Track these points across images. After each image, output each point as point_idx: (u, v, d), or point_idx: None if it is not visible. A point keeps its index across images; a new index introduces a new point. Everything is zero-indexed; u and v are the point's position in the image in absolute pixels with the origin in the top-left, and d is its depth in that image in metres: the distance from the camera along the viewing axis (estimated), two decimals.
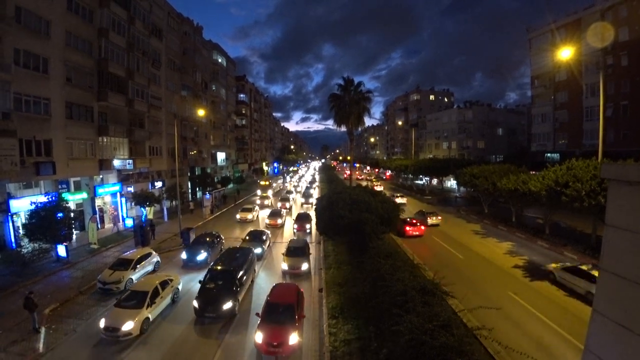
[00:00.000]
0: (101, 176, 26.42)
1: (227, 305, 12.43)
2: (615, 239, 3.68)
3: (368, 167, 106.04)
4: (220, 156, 54.04)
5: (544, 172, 21.77)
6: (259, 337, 10.21)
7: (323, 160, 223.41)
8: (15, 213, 19.27)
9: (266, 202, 39.35)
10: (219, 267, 14.30)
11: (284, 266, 17.12)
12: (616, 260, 3.64)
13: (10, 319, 12.37)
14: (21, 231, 18.40)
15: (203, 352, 10.80)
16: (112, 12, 26.17)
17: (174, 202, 32.33)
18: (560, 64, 35.94)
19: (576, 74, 35.00)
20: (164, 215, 31.01)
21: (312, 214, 26.16)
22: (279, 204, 36.64)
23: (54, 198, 18.93)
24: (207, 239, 20.38)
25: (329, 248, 20.25)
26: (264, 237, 21.43)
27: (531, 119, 46.38)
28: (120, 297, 12.58)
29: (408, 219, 25.76)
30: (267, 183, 57.02)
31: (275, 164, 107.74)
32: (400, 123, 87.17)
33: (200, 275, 14.84)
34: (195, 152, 43.44)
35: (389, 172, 77.70)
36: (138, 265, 16.38)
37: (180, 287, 14.75)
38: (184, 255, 18.89)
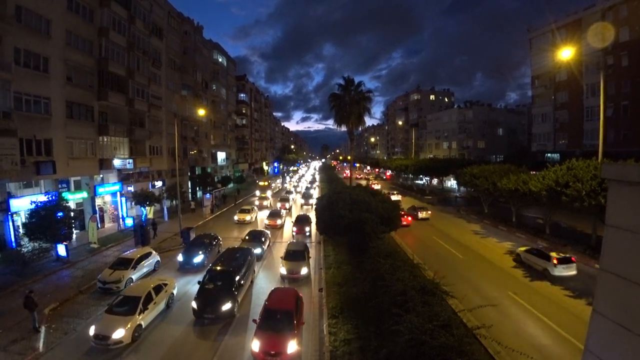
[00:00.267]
0: (101, 175, 26.43)
1: (226, 306, 12.30)
2: (615, 239, 3.68)
3: (368, 167, 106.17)
4: (221, 156, 54.03)
5: (544, 172, 21.78)
6: (255, 345, 9.80)
7: (323, 160, 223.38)
8: (16, 212, 19.27)
9: (265, 202, 38.96)
10: (218, 268, 14.16)
11: (283, 271, 16.36)
12: (616, 260, 3.64)
13: (11, 318, 12.37)
14: (21, 230, 18.40)
15: (199, 357, 10.49)
16: (113, 12, 26.16)
17: (174, 202, 32.34)
18: (561, 64, 35.90)
19: (576, 74, 34.97)
20: (164, 214, 31.01)
21: (312, 215, 25.62)
22: (279, 204, 36.37)
23: (54, 197, 18.93)
24: (205, 241, 19.82)
25: (329, 248, 20.26)
26: (264, 238, 21.28)
27: (531, 119, 46.39)
28: (112, 303, 12.07)
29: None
30: (266, 183, 56.80)
31: (276, 164, 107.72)
32: (400, 123, 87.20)
33: (197, 278, 14.66)
34: (195, 151, 43.45)
35: (389, 172, 77.83)
36: (138, 265, 16.37)
37: (175, 291, 14.25)
38: (180, 258, 18.33)
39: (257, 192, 47.02)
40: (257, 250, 19.35)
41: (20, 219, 19.19)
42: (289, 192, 45.14)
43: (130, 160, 28.67)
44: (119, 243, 22.77)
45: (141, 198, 27.15)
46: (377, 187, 45.16)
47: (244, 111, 70.08)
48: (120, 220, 27.28)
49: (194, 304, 12.42)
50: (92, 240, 21.57)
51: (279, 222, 28.09)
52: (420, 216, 30.70)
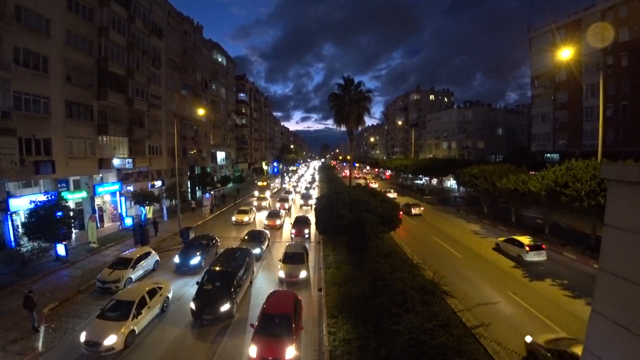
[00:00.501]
0: (101, 175, 26.42)
1: (225, 307, 12.22)
2: (614, 239, 3.68)
3: (368, 167, 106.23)
4: (220, 155, 54.02)
5: (543, 172, 21.77)
6: (253, 350, 9.55)
7: (323, 160, 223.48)
8: (15, 212, 19.27)
9: (264, 203, 38.81)
10: (217, 268, 14.06)
11: (281, 274, 15.77)
12: (615, 260, 3.64)
13: (10, 317, 12.36)
14: (20, 230, 18.40)
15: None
16: (112, 11, 26.15)
17: (173, 201, 32.30)
18: (561, 64, 35.94)
19: (576, 74, 35.00)
20: (163, 214, 31.00)
21: (311, 216, 25.22)
22: (278, 205, 36.15)
23: (53, 197, 18.92)
24: (202, 242, 19.36)
25: (329, 248, 20.24)
26: (263, 238, 21.19)
27: (531, 119, 46.41)
28: (104, 307, 11.58)
29: None
30: (265, 183, 56.53)
31: (275, 164, 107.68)
32: (400, 123, 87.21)
33: (194, 280, 14.55)
34: (195, 151, 43.44)
35: (388, 172, 77.90)
36: (137, 265, 16.35)
37: (170, 295, 13.79)
38: (176, 259, 17.84)
39: (256, 193, 46.92)
40: (257, 251, 19.19)
41: (20, 219, 19.19)
42: (288, 192, 45.01)
43: (130, 160, 28.65)
44: (119, 243, 22.76)
45: (140, 198, 27.13)
46: (374, 185, 46.46)
47: (243, 111, 70.07)
48: (120, 219, 27.28)
49: (192, 305, 12.36)
50: (92, 239, 21.55)
51: (278, 222, 27.94)
52: (413, 212, 32.96)
